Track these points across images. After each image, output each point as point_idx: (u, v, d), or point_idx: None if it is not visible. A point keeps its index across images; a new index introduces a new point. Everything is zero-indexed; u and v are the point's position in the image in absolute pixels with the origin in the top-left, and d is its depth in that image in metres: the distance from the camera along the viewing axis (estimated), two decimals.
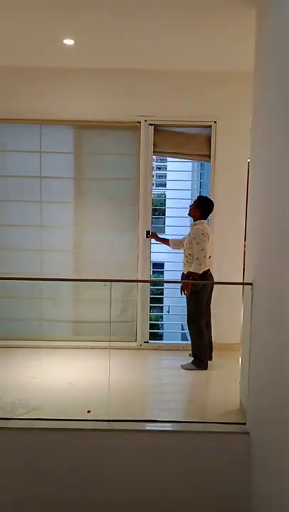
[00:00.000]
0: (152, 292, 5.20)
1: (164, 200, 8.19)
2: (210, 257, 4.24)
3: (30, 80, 4.63)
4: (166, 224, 7.75)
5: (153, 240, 4.83)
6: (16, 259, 4.94)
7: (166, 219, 7.83)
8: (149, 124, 4.69)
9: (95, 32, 3.75)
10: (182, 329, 5.98)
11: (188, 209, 4.33)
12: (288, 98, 2.42)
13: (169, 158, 5.67)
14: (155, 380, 4.15)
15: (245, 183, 4.35)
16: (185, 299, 4.30)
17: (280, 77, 2.58)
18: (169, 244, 4.63)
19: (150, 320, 5.00)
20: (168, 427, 3.18)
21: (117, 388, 3.67)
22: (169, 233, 7.58)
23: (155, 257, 5.14)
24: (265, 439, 2.74)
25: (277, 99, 2.63)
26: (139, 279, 4.87)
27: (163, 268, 7.59)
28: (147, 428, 3.17)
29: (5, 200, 4.89)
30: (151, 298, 5.05)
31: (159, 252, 5.28)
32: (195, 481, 3.09)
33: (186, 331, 4.67)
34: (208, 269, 4.24)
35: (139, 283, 4.93)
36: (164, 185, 6.60)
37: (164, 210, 7.42)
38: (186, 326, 4.42)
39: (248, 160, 3.63)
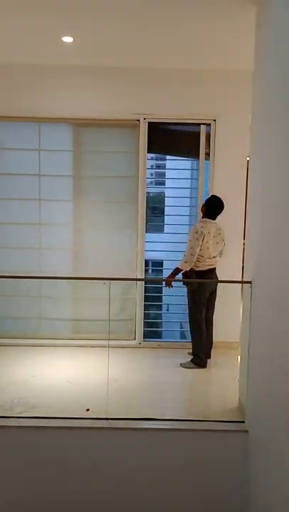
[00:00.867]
0: (151, 290, 5.19)
1: (163, 199, 8.19)
2: (214, 256, 4.23)
3: (28, 78, 4.61)
4: (165, 222, 7.75)
5: (149, 238, 4.82)
6: (15, 257, 4.93)
7: (166, 217, 7.83)
8: (148, 122, 4.68)
9: (93, 30, 3.74)
10: (181, 327, 5.98)
11: (201, 207, 4.36)
12: (288, 97, 2.42)
13: (167, 157, 5.67)
14: (154, 378, 4.15)
15: (245, 181, 4.35)
16: (186, 298, 4.32)
17: (280, 75, 2.57)
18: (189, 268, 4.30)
19: (149, 318, 5.00)
20: (167, 425, 3.18)
21: (116, 386, 3.68)
22: (167, 231, 7.60)
23: (154, 255, 5.14)
24: (263, 437, 2.75)
25: (277, 97, 2.63)
26: (138, 277, 4.87)
27: (162, 266, 7.59)
28: (146, 426, 3.17)
29: (4, 199, 4.88)
30: (150, 296, 5.04)
31: (157, 250, 5.28)
32: (194, 479, 3.09)
33: (185, 330, 4.68)
34: (214, 269, 4.23)
35: (138, 281, 4.93)
36: (163, 183, 6.59)
37: (163, 208, 7.42)
38: (186, 325, 4.43)
39: (248, 158, 3.62)
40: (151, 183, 4.89)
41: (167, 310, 7.20)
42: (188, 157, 5.12)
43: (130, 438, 3.12)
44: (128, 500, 3.10)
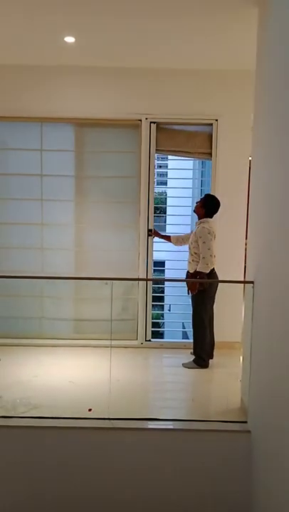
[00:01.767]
0: (153, 291, 5.19)
1: (165, 199, 8.19)
2: (214, 256, 4.23)
3: (31, 78, 4.62)
4: (167, 222, 7.75)
5: (155, 238, 4.83)
6: (17, 257, 4.94)
7: (168, 217, 7.83)
8: (151, 122, 4.68)
9: (96, 30, 3.74)
10: (183, 327, 5.98)
11: (194, 206, 4.33)
12: None
13: (170, 157, 5.67)
14: (156, 378, 4.15)
15: (247, 181, 4.34)
16: (190, 298, 4.31)
17: (282, 75, 2.57)
18: (170, 241, 4.63)
19: (151, 318, 5.00)
20: (169, 425, 3.18)
21: (118, 386, 3.68)
22: (170, 231, 7.59)
23: (156, 256, 5.14)
24: (266, 438, 2.74)
25: (279, 97, 2.63)
26: (140, 277, 4.87)
27: (164, 266, 7.59)
28: (148, 426, 3.17)
29: (6, 199, 4.89)
30: (152, 296, 5.04)
31: (160, 250, 5.28)
32: (196, 479, 3.09)
33: (188, 330, 4.67)
34: (213, 268, 4.24)
35: (140, 281, 4.93)
36: (165, 183, 6.60)
37: (165, 208, 7.42)
38: (189, 325, 4.42)
39: (250, 158, 3.62)
40: (153, 182, 4.88)
41: (169, 310, 7.20)
42: (194, 158, 5.10)
43: (132, 438, 3.12)
44: (130, 499, 3.10)
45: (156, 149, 4.76)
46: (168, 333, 6.41)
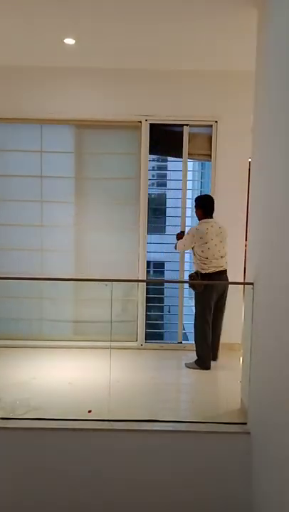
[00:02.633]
0: (152, 292, 5.19)
1: (164, 200, 8.20)
2: (222, 257, 4.21)
3: (31, 80, 4.62)
4: (166, 224, 7.75)
5: (150, 240, 4.82)
6: (17, 258, 4.93)
7: (166, 218, 7.84)
8: (150, 124, 4.68)
9: (96, 32, 3.74)
10: (183, 329, 5.97)
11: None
12: None
13: (169, 158, 5.67)
14: (156, 379, 4.14)
15: (247, 182, 4.34)
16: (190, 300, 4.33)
17: (282, 76, 2.57)
18: None
19: (150, 320, 4.99)
20: (169, 426, 3.17)
21: (118, 388, 3.67)
22: (169, 233, 7.60)
23: (155, 257, 5.14)
24: (266, 439, 2.74)
25: (279, 98, 2.63)
26: (140, 278, 4.86)
27: (163, 268, 7.59)
28: (148, 428, 3.15)
29: (6, 200, 4.88)
30: (151, 297, 5.04)
31: (158, 251, 5.28)
32: (195, 481, 3.08)
33: (188, 331, 4.66)
34: (223, 271, 4.22)
35: (139, 282, 4.92)
36: (165, 184, 6.60)
37: (165, 209, 7.43)
38: (188, 326, 4.42)
39: (250, 160, 3.62)
40: (152, 184, 4.89)
41: (168, 311, 7.20)
42: (195, 159, 5.11)
43: (132, 440, 3.11)
44: (130, 501, 3.09)
45: (155, 151, 4.76)
46: (167, 334, 6.40)
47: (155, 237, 5.95)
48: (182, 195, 4.88)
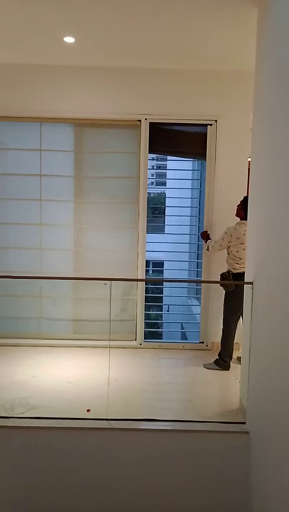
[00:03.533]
0: (152, 291, 5.19)
1: (164, 199, 8.20)
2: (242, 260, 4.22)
3: (30, 78, 4.61)
4: (166, 223, 7.76)
5: (150, 239, 4.80)
6: (16, 257, 4.93)
7: (166, 218, 7.85)
8: (150, 123, 4.68)
9: (96, 30, 3.73)
10: (182, 328, 5.98)
11: (236, 210, 4.32)
12: None
13: (168, 157, 5.67)
14: (155, 378, 4.15)
15: (246, 182, 4.35)
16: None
17: (282, 76, 2.57)
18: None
19: (150, 319, 5.00)
20: (167, 426, 3.17)
21: (117, 387, 3.67)
22: (168, 232, 7.60)
23: (155, 256, 5.15)
24: (264, 439, 2.74)
25: (279, 98, 2.63)
26: (139, 277, 4.86)
27: (163, 267, 7.60)
28: (147, 427, 3.16)
29: (5, 199, 4.88)
30: (151, 297, 5.04)
31: (158, 251, 5.28)
32: (194, 480, 3.09)
33: (186, 330, 4.66)
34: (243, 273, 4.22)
35: (138, 282, 4.92)
36: (164, 184, 6.60)
37: (164, 208, 7.43)
38: (187, 326, 4.42)
39: (249, 159, 3.62)
40: (152, 183, 4.88)
41: (168, 311, 7.21)
42: (191, 158, 5.11)
43: (131, 439, 3.11)
44: (128, 500, 3.09)
45: (154, 150, 4.76)
46: (166, 333, 6.41)
47: (155, 237, 5.96)
48: (203, 195, 4.84)
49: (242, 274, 4.08)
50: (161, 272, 7.97)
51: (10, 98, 4.63)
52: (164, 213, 7.31)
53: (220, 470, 3.07)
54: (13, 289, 4.91)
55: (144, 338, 4.90)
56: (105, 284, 3.68)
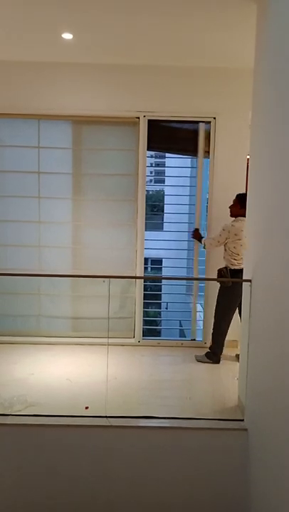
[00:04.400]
0: (150, 289, 5.19)
1: (163, 197, 8.20)
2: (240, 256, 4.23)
3: (28, 75, 4.59)
4: (164, 220, 7.76)
5: (149, 236, 4.79)
6: (14, 255, 4.92)
7: (165, 215, 7.84)
8: (148, 120, 4.67)
9: (94, 27, 3.72)
10: (180, 326, 5.98)
11: (230, 211, 4.34)
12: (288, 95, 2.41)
13: (167, 155, 5.66)
14: (153, 376, 4.15)
15: (245, 179, 4.34)
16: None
17: (280, 73, 2.57)
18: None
19: (148, 316, 4.99)
20: (166, 423, 3.18)
21: (115, 384, 3.68)
22: (167, 229, 7.61)
23: (153, 253, 5.14)
24: (263, 436, 2.75)
25: (278, 95, 2.62)
26: (138, 275, 4.86)
27: (161, 264, 7.60)
28: (145, 424, 3.16)
29: (3, 196, 4.86)
30: (149, 294, 5.04)
31: (156, 248, 5.27)
32: (193, 478, 3.09)
33: (185, 328, 4.67)
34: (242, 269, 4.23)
35: (137, 279, 4.92)
36: (163, 181, 6.59)
37: (163, 206, 7.43)
38: (185, 323, 4.42)
39: (248, 156, 3.62)
40: (150, 181, 4.87)
41: (166, 308, 7.21)
42: (187, 155, 5.10)
43: (129, 436, 3.12)
44: (127, 498, 3.10)
45: (152, 147, 4.75)
46: (165, 331, 6.41)
47: (153, 234, 5.95)
48: (196, 192, 4.85)
49: (240, 271, 4.09)
50: (160, 269, 7.97)
51: (7, 95, 4.61)
52: (163, 211, 7.31)
53: (218, 467, 3.08)
54: (11, 286, 4.90)
55: (143, 336, 4.90)
56: (104, 281, 3.68)
